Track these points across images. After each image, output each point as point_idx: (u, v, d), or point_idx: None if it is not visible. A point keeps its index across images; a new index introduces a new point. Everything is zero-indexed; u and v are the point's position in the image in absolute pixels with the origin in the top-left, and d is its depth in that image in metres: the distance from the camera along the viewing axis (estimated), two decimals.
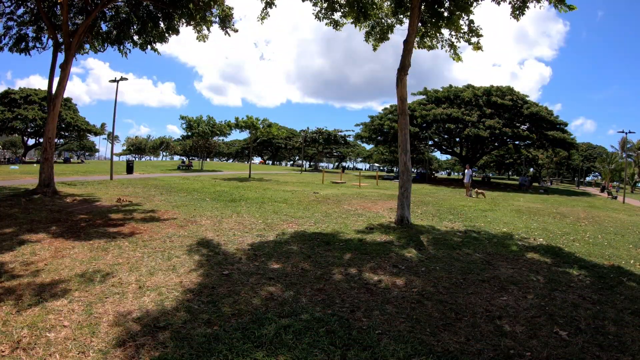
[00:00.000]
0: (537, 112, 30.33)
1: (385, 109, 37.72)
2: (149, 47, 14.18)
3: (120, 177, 20.60)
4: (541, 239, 7.81)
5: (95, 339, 2.91)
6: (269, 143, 78.86)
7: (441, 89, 35.15)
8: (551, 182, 56.69)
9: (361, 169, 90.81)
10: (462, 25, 9.44)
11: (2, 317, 3.20)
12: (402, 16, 10.02)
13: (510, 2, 8.75)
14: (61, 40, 12.64)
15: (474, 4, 9.08)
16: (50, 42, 13.42)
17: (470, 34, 9.64)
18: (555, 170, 70.21)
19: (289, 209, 10.54)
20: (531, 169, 68.90)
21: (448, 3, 9.04)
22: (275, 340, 2.96)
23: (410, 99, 30.80)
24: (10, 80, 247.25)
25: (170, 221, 8.00)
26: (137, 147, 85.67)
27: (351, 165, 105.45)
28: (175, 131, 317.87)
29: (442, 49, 10.31)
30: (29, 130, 43.57)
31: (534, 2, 8.46)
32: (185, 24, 13.61)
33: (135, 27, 13.66)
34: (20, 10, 13.34)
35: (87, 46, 14.28)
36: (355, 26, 10.11)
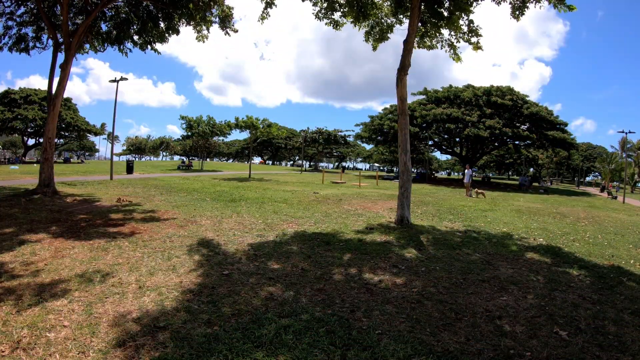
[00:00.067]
0: (537, 112, 30.34)
1: (385, 109, 37.75)
2: (149, 47, 14.18)
3: (120, 177, 20.60)
4: (541, 239, 7.81)
5: (95, 339, 2.91)
6: (269, 143, 78.87)
7: (441, 89, 35.15)
8: (551, 182, 56.70)
9: (361, 169, 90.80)
10: (461, 25, 9.44)
11: (2, 317, 3.20)
12: (401, 16, 10.02)
13: (510, 2, 8.75)
14: (61, 40, 12.65)
15: (474, 4, 9.08)
16: (50, 42, 13.44)
17: (470, 34, 9.64)
18: (555, 170, 70.23)
19: (289, 209, 10.54)
20: (531, 169, 68.90)
21: (448, 3, 9.04)
22: (275, 340, 2.96)
23: (410, 99, 30.81)
24: (10, 80, 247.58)
25: (170, 221, 8.00)
26: (137, 147, 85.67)
27: (351, 165, 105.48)
28: (175, 131, 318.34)
29: (441, 49, 10.32)
30: (29, 130, 43.56)
31: (534, 2, 8.47)
32: (185, 24, 13.61)
33: (135, 27, 13.66)
34: (20, 10, 13.35)
35: (87, 46, 14.28)
36: (355, 26, 10.12)
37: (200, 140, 42.95)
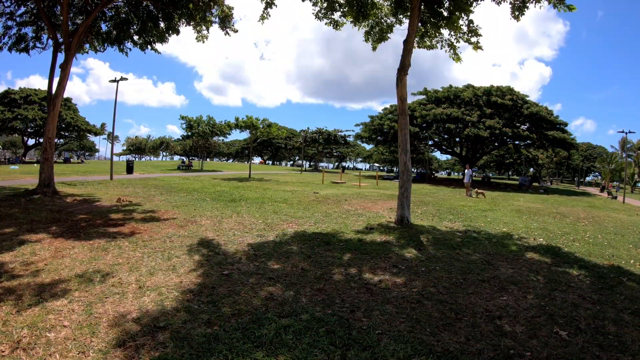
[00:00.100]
0: (537, 112, 30.35)
1: (385, 109, 37.75)
2: (149, 47, 14.18)
3: (120, 177, 20.60)
4: (541, 239, 7.81)
5: (95, 339, 2.91)
6: (269, 143, 78.87)
7: (441, 89, 35.16)
8: (551, 182, 56.71)
9: (361, 169, 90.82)
10: (461, 25, 9.43)
11: (2, 317, 3.20)
12: (401, 16, 10.02)
13: (510, 2, 8.75)
14: (61, 40, 12.65)
15: (474, 4, 9.08)
16: (50, 42, 13.44)
17: (470, 34, 9.63)
18: (555, 170, 70.24)
19: (289, 209, 10.54)
20: (531, 169, 68.90)
21: (448, 3, 9.04)
22: (275, 340, 2.96)
23: (410, 99, 30.82)
24: (10, 80, 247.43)
25: (170, 221, 8.00)
26: (137, 147, 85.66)
27: (351, 165, 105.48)
28: (175, 131, 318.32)
29: (441, 49, 10.31)
30: (29, 130, 43.57)
31: (534, 2, 8.46)
32: (185, 24, 13.62)
33: (135, 27, 13.66)
34: (20, 10, 13.34)
35: (87, 46, 14.28)
36: (355, 26, 10.12)
37: (200, 140, 42.96)
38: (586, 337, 3.33)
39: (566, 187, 50.05)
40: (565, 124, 32.33)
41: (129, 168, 26.30)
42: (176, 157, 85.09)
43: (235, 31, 13.77)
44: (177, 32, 13.79)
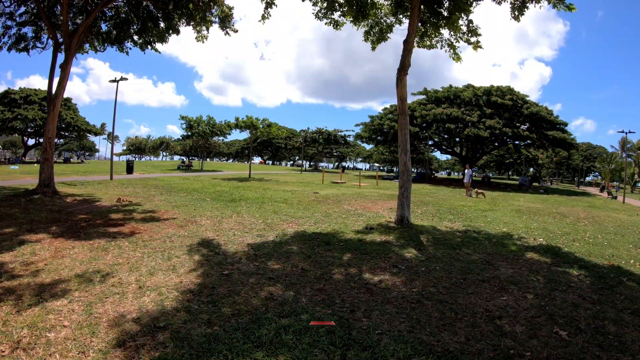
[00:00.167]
0: (537, 112, 30.35)
1: (385, 109, 37.76)
2: (149, 47, 14.18)
3: (120, 177, 20.60)
4: (541, 239, 7.81)
5: (95, 339, 2.91)
6: (269, 143, 78.88)
7: (441, 89, 35.16)
8: (551, 182, 56.71)
9: (361, 169, 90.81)
10: (461, 25, 9.43)
11: (2, 317, 3.20)
12: (401, 16, 10.02)
13: (510, 2, 8.75)
14: (61, 40, 12.65)
15: (474, 4, 9.08)
16: (50, 42, 13.44)
17: (470, 34, 9.63)
18: (555, 170, 70.24)
19: (289, 209, 10.54)
20: (531, 169, 68.91)
21: (447, 3, 9.04)
22: (275, 340, 2.96)
23: (410, 99, 30.83)
24: (10, 80, 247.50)
25: (170, 221, 8.00)
26: (137, 147, 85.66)
27: (351, 165, 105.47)
28: (175, 131, 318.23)
29: (441, 49, 10.32)
30: (29, 130, 43.58)
31: (534, 2, 8.46)
32: (185, 24, 13.61)
33: (135, 27, 13.66)
34: (20, 10, 13.35)
35: (87, 46, 14.28)
36: (354, 25, 10.12)
37: (200, 140, 42.96)
38: (586, 337, 3.33)
39: (566, 187, 50.05)
40: (565, 124, 32.36)
41: (129, 168, 26.31)
42: (176, 157, 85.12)
43: (235, 31, 13.78)
44: (177, 32, 13.79)
